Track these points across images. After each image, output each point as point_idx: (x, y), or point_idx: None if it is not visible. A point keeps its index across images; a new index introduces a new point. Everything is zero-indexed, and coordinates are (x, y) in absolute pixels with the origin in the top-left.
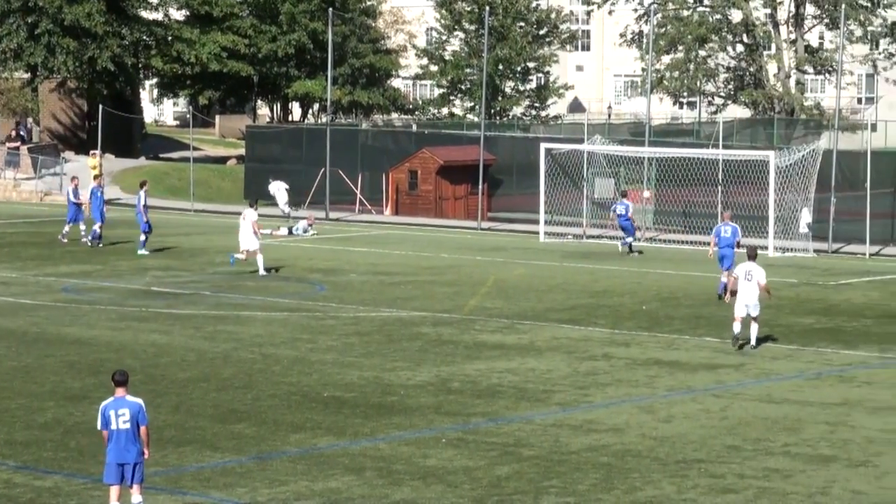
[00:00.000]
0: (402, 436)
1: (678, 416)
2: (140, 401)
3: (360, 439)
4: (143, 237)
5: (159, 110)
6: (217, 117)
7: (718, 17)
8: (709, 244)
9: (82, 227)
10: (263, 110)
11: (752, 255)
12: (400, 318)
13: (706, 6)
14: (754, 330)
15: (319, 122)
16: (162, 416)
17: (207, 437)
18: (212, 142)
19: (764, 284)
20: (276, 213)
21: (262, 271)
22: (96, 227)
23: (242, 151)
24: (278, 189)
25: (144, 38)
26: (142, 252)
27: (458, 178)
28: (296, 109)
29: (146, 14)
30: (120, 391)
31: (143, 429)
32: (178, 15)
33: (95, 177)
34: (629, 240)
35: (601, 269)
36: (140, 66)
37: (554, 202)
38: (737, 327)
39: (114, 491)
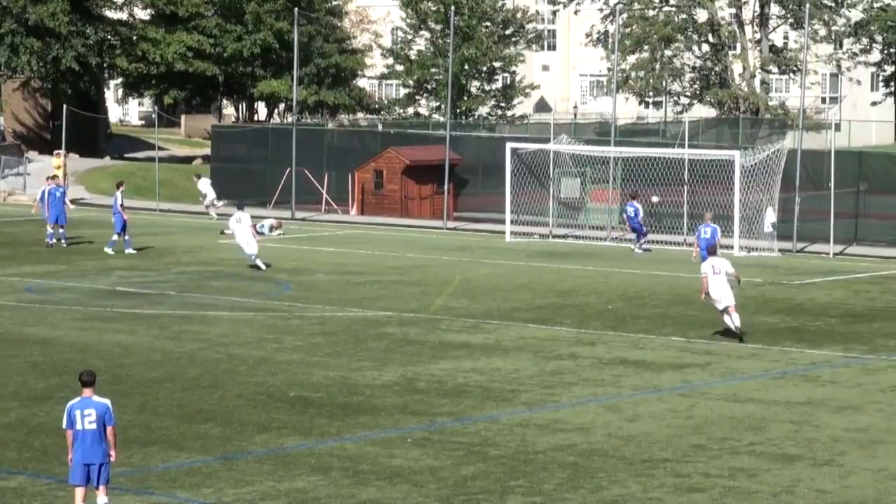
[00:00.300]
0: (368, 435)
1: (644, 416)
2: (107, 401)
3: (326, 439)
4: (114, 237)
5: (124, 110)
6: (183, 117)
7: (684, 16)
8: (669, 244)
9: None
10: (229, 110)
11: (713, 251)
12: (366, 318)
13: (672, 6)
14: (736, 318)
15: (285, 121)
16: (127, 417)
17: (173, 438)
18: (177, 141)
19: (734, 272)
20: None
21: (262, 266)
22: (50, 227)
23: (208, 151)
24: (207, 186)
25: (109, 37)
26: (108, 251)
27: (424, 177)
28: (261, 109)
29: (111, 14)
30: (87, 391)
31: (109, 429)
32: (142, 14)
33: (54, 177)
34: (642, 243)
35: (567, 268)
36: (105, 65)
37: (520, 202)
38: (727, 320)
39: (79, 492)
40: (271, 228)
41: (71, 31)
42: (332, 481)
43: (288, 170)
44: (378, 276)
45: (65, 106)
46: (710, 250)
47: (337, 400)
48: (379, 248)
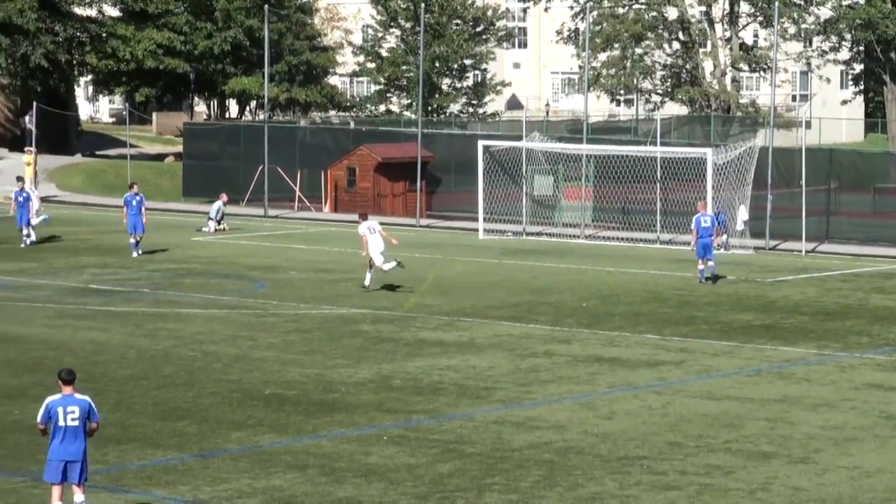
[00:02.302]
0: (343, 433)
1: (619, 413)
2: (88, 398)
3: (301, 437)
4: (132, 239)
5: (95, 107)
6: (154, 114)
7: (654, 14)
8: (642, 241)
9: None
10: (200, 107)
11: (365, 216)
12: (340, 316)
13: (642, 4)
14: (388, 263)
15: (257, 119)
16: (102, 414)
17: (149, 435)
18: (149, 139)
19: (384, 231)
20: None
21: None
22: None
23: (180, 149)
24: None
25: (78, 34)
26: (141, 254)
27: (397, 175)
28: (233, 106)
29: (80, 11)
30: (67, 389)
31: (94, 424)
32: (112, 11)
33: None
34: (724, 241)
35: (541, 266)
36: (74, 62)
37: (493, 199)
38: (371, 275)
39: (56, 490)
40: (220, 213)
41: (40, 28)
42: (308, 479)
43: (260, 167)
44: (352, 274)
45: (35, 103)
46: (363, 216)
47: (312, 397)
48: (352, 246)
